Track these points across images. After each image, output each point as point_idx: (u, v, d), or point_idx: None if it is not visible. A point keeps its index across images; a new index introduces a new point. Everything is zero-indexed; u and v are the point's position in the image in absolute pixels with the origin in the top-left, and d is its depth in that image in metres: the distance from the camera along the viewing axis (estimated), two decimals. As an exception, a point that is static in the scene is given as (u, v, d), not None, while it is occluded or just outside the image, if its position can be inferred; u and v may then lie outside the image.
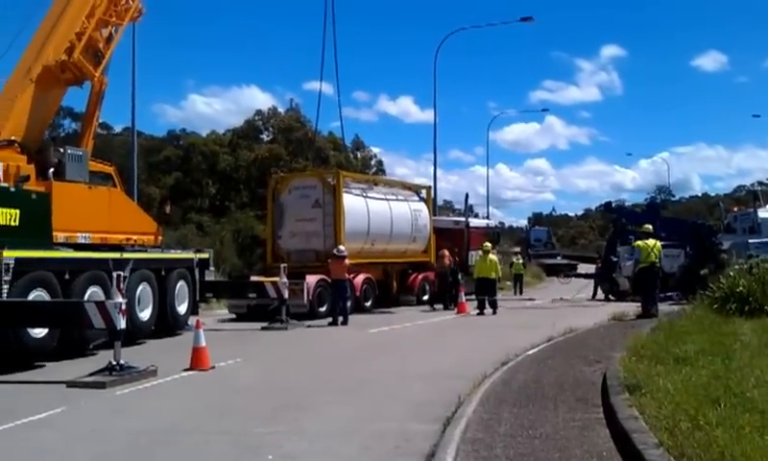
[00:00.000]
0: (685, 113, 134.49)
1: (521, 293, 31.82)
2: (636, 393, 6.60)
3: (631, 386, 6.87)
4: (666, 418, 5.65)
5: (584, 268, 40.10)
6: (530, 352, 11.33)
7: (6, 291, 10.52)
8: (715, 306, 14.08)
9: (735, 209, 32.12)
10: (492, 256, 21.26)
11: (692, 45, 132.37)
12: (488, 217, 45.35)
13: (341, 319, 17.50)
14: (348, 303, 18.26)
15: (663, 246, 18.34)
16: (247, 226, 37.57)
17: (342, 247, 18.65)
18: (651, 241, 17.16)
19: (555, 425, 6.34)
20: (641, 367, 7.87)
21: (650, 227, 18.02)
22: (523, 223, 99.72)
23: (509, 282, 35.88)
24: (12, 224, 11.16)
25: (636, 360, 8.46)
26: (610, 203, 29.76)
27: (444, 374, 9.90)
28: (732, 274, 15.36)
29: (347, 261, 18.34)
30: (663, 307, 17.50)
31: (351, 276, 20.62)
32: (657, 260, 17.00)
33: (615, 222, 27.96)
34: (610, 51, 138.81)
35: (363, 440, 6.50)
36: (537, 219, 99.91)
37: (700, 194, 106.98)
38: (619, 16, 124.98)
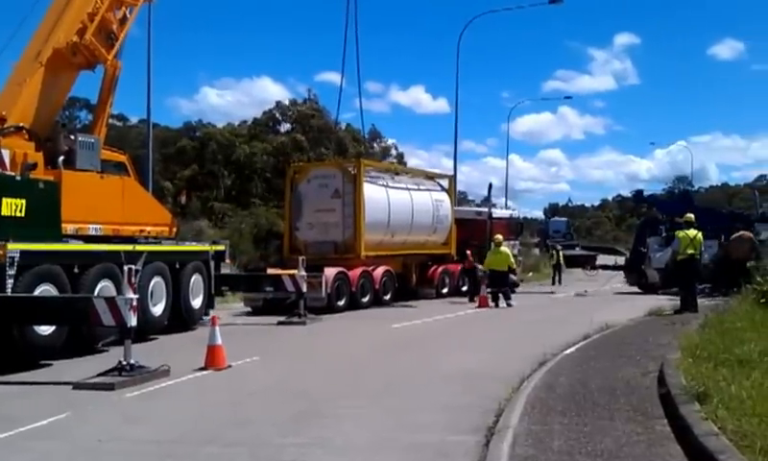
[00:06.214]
0: (701, 102, 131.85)
1: (560, 283, 30.88)
2: (707, 402, 5.80)
3: (698, 394, 6.08)
4: (752, 434, 4.89)
5: (602, 259, 39.16)
6: (568, 352, 10.54)
7: (10, 286, 9.84)
8: (762, 301, 13.16)
9: None
10: (504, 249, 20.81)
11: (708, 33, 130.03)
12: (506, 207, 44.46)
13: None
14: None
15: None
16: (267, 221, 36.88)
17: None
18: (692, 232, 16.09)
19: (616, 440, 5.57)
20: (703, 371, 7.06)
21: (692, 216, 16.94)
22: (538, 214, 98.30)
23: (531, 274, 35.15)
24: (18, 214, 10.45)
25: (693, 362, 7.66)
26: (641, 191, 28.61)
27: (477, 374, 9.18)
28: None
29: None
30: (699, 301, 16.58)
31: (371, 268, 20.00)
32: (696, 252, 16.01)
33: (646, 212, 26.94)
34: (623, 39, 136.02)
35: (395, 456, 5.81)
36: (553, 209, 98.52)
37: (719, 184, 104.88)
38: (632, 4, 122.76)
